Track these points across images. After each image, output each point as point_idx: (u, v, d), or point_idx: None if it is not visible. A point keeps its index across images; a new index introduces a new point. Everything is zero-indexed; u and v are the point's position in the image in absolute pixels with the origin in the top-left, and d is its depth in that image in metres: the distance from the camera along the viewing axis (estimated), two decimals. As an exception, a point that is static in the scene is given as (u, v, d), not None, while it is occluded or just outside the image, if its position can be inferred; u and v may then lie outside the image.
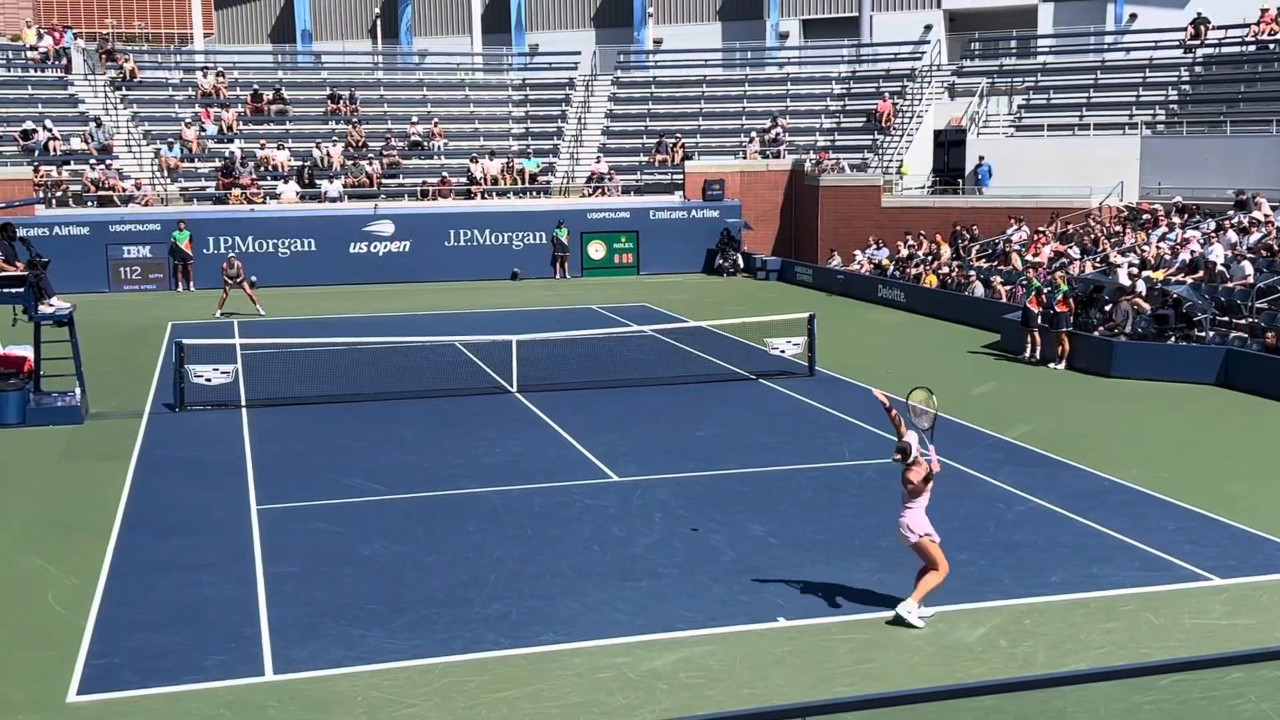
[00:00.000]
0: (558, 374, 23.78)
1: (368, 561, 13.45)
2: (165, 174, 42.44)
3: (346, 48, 57.03)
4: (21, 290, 20.01)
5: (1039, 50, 46.37)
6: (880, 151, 43.05)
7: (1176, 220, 31.01)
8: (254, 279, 33.18)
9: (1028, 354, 25.12)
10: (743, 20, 54.12)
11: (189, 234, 37.37)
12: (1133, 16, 47.05)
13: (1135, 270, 26.59)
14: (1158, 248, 28.45)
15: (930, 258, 35.08)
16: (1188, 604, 12.12)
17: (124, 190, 40.71)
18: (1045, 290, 25.15)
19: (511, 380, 22.67)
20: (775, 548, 13.78)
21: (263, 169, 42.96)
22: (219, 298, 32.23)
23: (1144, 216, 32.64)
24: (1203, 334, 23.76)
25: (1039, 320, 24.93)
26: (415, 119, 46.25)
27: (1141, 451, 17.96)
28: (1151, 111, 39.27)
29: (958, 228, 36.13)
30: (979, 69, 44.77)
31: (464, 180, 43.82)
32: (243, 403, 21.48)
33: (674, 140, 45.63)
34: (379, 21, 59.01)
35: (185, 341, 21.67)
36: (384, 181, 43.53)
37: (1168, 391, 22.17)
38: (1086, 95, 41.43)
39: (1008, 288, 30.11)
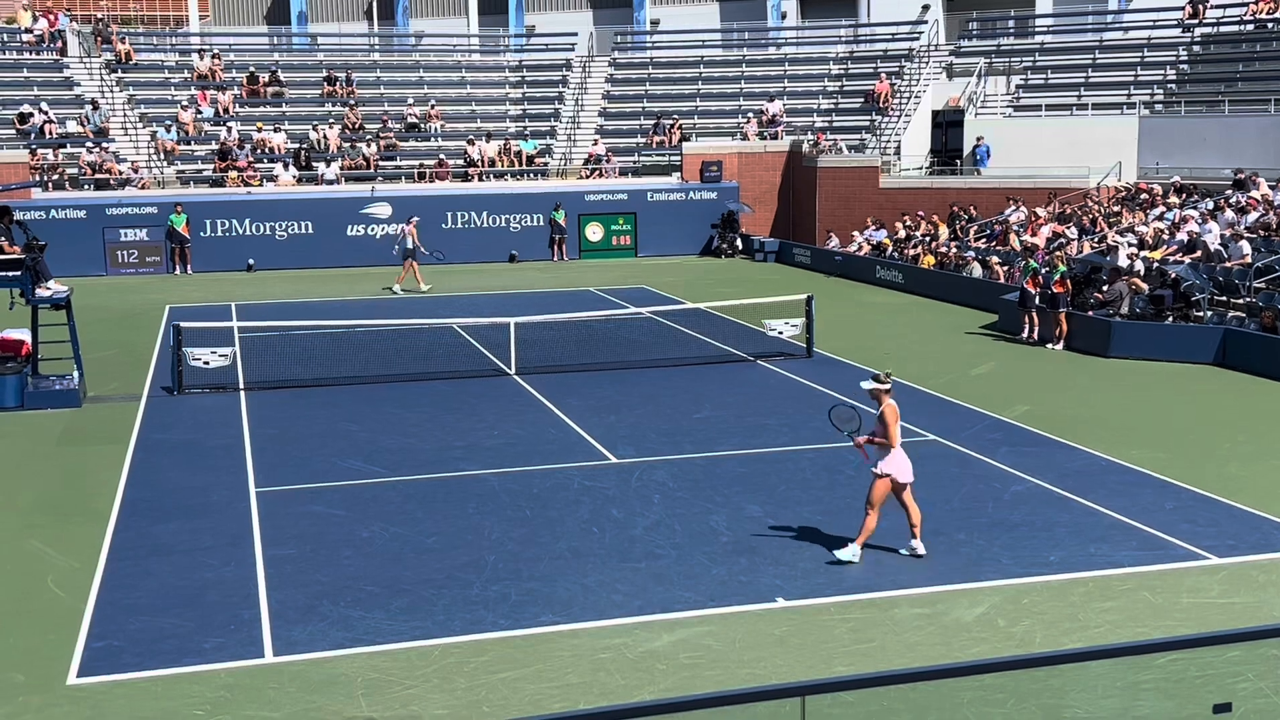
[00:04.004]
0: (556, 356, 23.78)
1: (367, 543, 13.47)
2: (162, 157, 42.35)
3: (342, 29, 56.84)
4: (19, 273, 19.99)
5: (1037, 30, 46.26)
6: (878, 132, 42.98)
7: (1174, 200, 30.98)
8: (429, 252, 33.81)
9: (1025, 334, 25.13)
10: (740, 0, 53.95)
11: (186, 217, 37.30)
12: (1131, -5, 46.94)
13: (1134, 250, 26.58)
14: (1155, 227, 28.43)
15: (928, 239, 35.05)
16: (1185, 583, 12.15)
17: (120, 173, 40.63)
18: (1043, 271, 25.16)
19: (510, 363, 22.67)
20: (774, 528, 13.81)
21: (259, 151, 42.87)
22: (413, 273, 33.06)
23: (1142, 196, 32.62)
24: (1200, 314, 23.77)
25: (1036, 301, 24.94)
26: (412, 101, 46.13)
27: (1139, 431, 17.98)
28: (1150, 91, 39.19)
29: (955, 208, 36.10)
30: (977, 49, 44.64)
31: (461, 162, 43.73)
32: (241, 386, 21.48)
33: (671, 121, 45.53)
34: (375, 3, 58.84)
35: (183, 325, 21.65)
36: (381, 164, 43.44)
37: (1165, 371, 22.19)
38: (1084, 75, 41.35)
39: (1005, 268, 30.11)
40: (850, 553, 12.66)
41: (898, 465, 12.64)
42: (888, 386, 12.80)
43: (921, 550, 12.78)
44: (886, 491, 12.64)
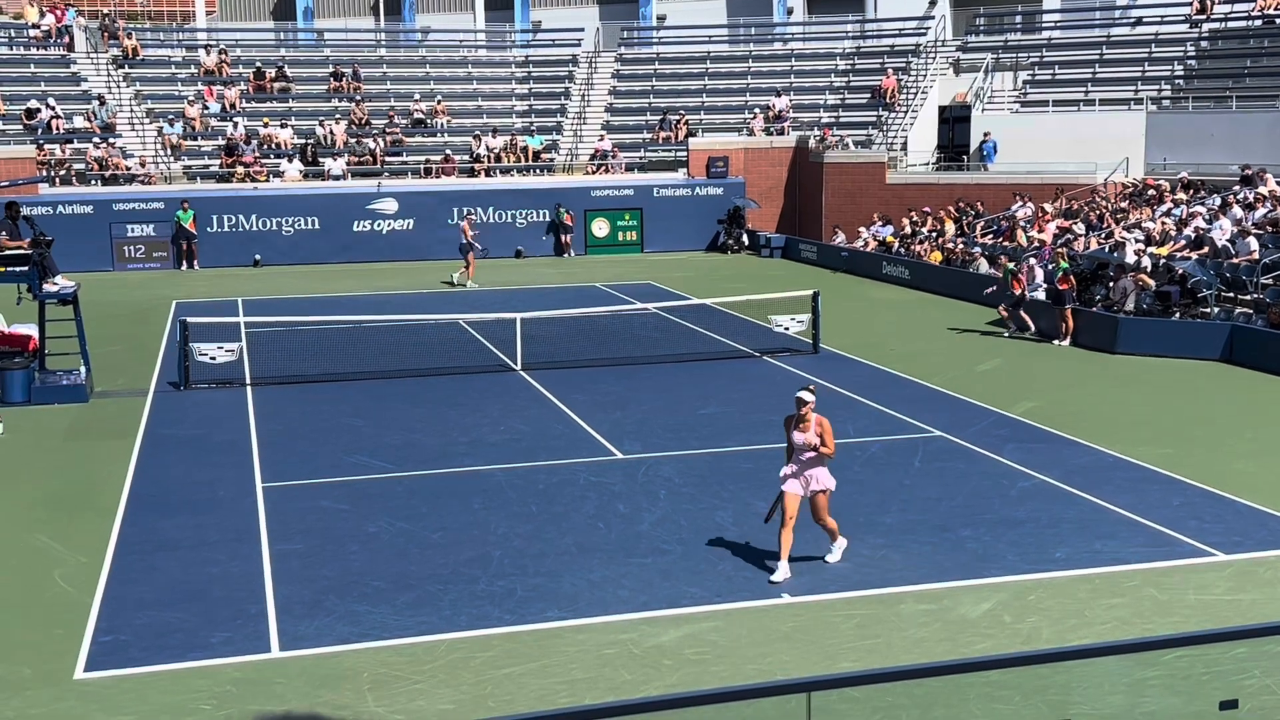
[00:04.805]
0: (562, 352, 23.79)
1: (373, 538, 13.49)
2: (168, 152, 42.38)
3: (349, 25, 56.80)
4: (26, 268, 20.03)
5: (1044, 25, 46.16)
6: (884, 128, 42.92)
7: (1182, 196, 30.91)
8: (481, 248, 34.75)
9: (1008, 333, 25.26)
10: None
11: (193, 213, 37.34)
12: (1138, -9, 46.79)
13: (1141, 246, 26.54)
14: (1162, 224, 28.37)
15: (935, 234, 35.01)
16: (1192, 579, 12.14)
17: (127, 168, 40.66)
18: (1048, 267, 25.13)
19: (516, 358, 22.68)
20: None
21: (266, 147, 42.89)
22: (468, 268, 33.82)
23: (1149, 192, 32.54)
24: (1208, 310, 23.72)
25: (1014, 299, 25.10)
26: (418, 96, 46.11)
27: (1146, 427, 17.96)
28: (1157, 87, 39.10)
29: (962, 204, 36.04)
30: (984, 44, 44.57)
31: (467, 158, 43.73)
32: (247, 381, 21.51)
33: (678, 117, 45.48)
34: (381, -2, 58.79)
35: (189, 320, 21.67)
36: (387, 159, 43.43)
37: (1172, 368, 22.16)
38: (1092, 71, 41.26)
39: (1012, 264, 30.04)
40: (838, 549, 12.71)
41: (830, 477, 12.36)
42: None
43: (784, 577, 12.20)
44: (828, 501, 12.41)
